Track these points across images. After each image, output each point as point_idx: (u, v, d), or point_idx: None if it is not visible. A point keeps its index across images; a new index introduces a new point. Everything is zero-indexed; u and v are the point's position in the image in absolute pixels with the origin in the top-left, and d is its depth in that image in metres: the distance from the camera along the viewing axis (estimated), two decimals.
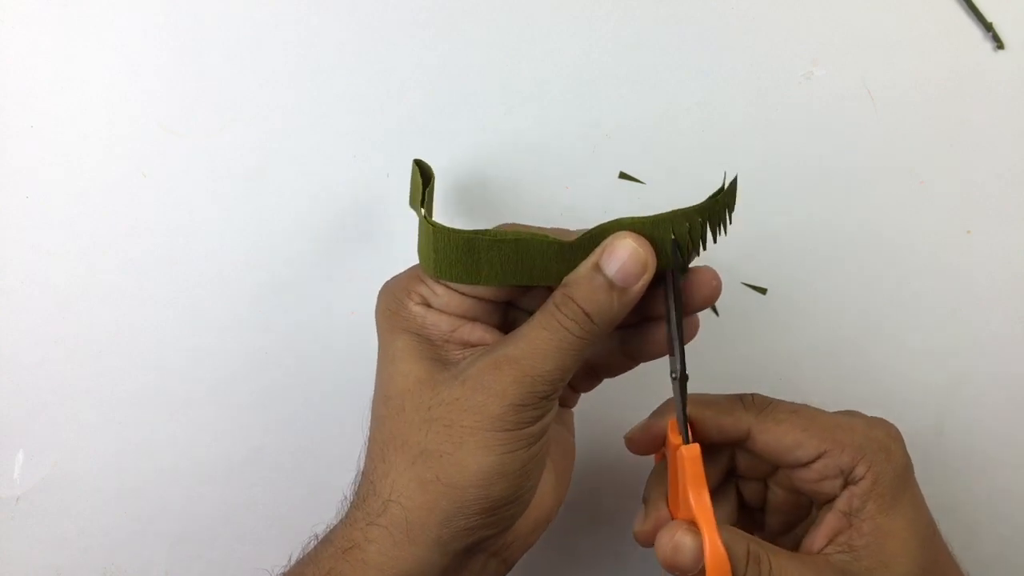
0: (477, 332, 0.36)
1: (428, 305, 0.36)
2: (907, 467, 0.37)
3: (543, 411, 0.34)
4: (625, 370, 0.39)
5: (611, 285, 0.33)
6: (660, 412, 0.39)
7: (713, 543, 0.33)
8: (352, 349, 0.48)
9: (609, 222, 0.35)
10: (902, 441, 0.38)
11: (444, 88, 0.48)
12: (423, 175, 0.39)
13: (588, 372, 0.39)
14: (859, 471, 0.36)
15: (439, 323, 0.36)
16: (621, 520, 0.49)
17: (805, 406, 0.38)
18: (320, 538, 0.36)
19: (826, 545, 0.36)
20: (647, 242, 0.34)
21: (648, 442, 0.39)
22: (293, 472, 0.48)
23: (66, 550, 0.47)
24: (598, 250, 0.34)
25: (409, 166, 0.41)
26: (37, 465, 0.47)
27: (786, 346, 0.49)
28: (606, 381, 0.41)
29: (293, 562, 0.36)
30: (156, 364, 0.47)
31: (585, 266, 0.34)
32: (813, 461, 0.37)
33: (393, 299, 0.37)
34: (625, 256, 0.33)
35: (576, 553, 0.50)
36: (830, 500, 0.37)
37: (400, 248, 0.48)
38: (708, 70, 0.49)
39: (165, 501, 0.47)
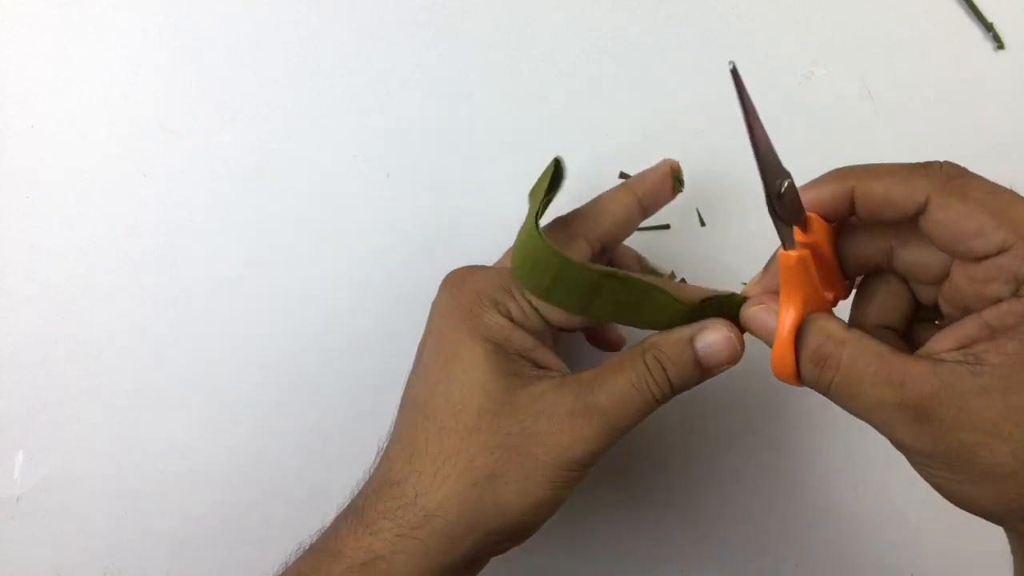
0: (549, 356, 0.37)
1: (511, 319, 0.36)
2: None
3: (605, 455, 0.35)
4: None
5: (698, 363, 0.34)
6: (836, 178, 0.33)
7: (781, 335, 0.32)
8: (352, 349, 0.48)
9: (733, 294, 0.35)
10: None
11: (444, 88, 0.48)
12: (556, 177, 0.38)
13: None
14: None
15: (523, 340, 0.36)
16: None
17: (1008, 190, 0.30)
18: (315, 548, 0.35)
19: (951, 349, 0.30)
20: (740, 334, 0.35)
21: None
22: (293, 472, 0.48)
23: (66, 550, 0.47)
24: (696, 326, 0.35)
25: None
26: (37, 465, 0.47)
27: None
28: None
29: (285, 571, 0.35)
30: (156, 364, 0.47)
31: (682, 338, 0.35)
32: (990, 256, 0.29)
33: (476, 302, 0.36)
34: (719, 342, 0.34)
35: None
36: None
37: (400, 247, 0.48)
38: (708, 70, 0.49)
39: (165, 501, 0.47)
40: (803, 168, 0.49)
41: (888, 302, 0.34)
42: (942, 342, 0.30)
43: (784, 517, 0.48)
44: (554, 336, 0.38)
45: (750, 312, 0.34)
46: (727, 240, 0.48)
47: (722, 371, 0.35)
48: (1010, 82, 0.49)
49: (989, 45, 0.50)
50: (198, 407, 0.47)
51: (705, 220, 0.48)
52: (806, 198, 0.32)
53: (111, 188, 0.47)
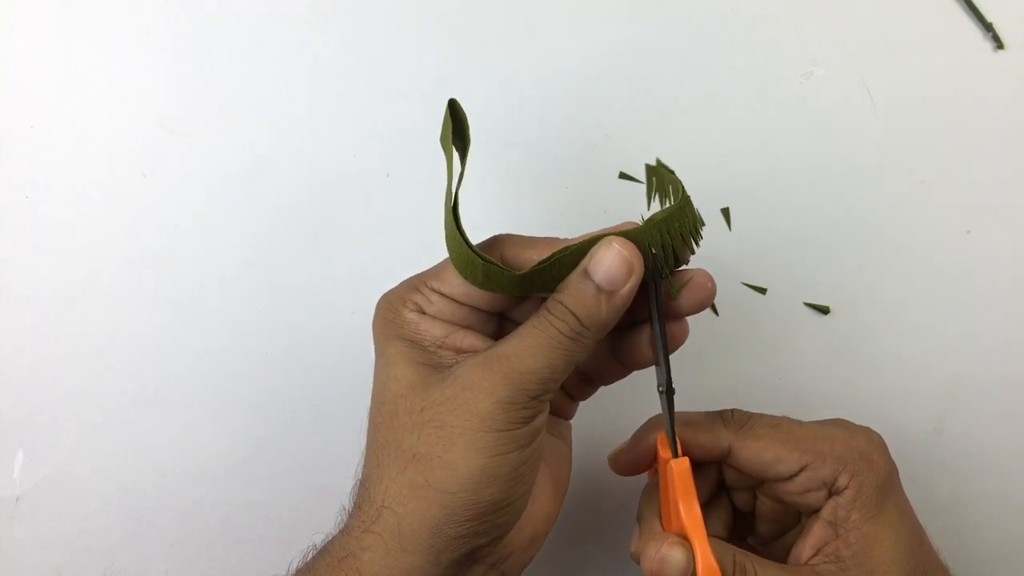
0: (469, 339, 0.36)
1: (422, 312, 0.37)
2: (890, 475, 0.37)
3: (533, 412, 0.33)
4: (619, 377, 0.39)
5: (599, 289, 0.34)
6: (644, 431, 0.39)
7: (705, 556, 0.33)
8: (352, 349, 0.48)
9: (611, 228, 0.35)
10: (885, 449, 0.38)
11: (444, 88, 0.48)
12: (457, 124, 0.36)
13: (582, 379, 0.40)
14: (841, 481, 0.36)
15: (432, 329, 0.36)
16: (620, 534, 0.49)
17: (785, 419, 0.38)
18: (318, 548, 0.35)
19: (813, 556, 0.36)
20: (633, 246, 0.34)
21: (633, 462, 0.39)
22: (292, 473, 0.48)
23: (66, 550, 0.47)
24: (587, 257, 0.34)
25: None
26: (37, 465, 0.47)
27: (786, 346, 0.49)
28: (604, 398, 0.41)
29: (292, 572, 0.36)
30: (156, 364, 0.47)
31: (575, 273, 0.34)
32: (795, 475, 0.37)
33: (389, 308, 0.37)
34: (610, 260, 0.34)
35: (575, 567, 0.50)
36: (816, 510, 0.37)
37: (401, 248, 0.48)
38: (708, 70, 0.49)
39: (165, 501, 0.47)
40: (803, 168, 0.49)
41: (719, 516, 0.41)
42: (804, 551, 0.37)
43: None
44: (488, 320, 0.37)
45: (660, 555, 0.34)
46: (728, 242, 0.49)
47: (630, 290, 0.34)
48: (1010, 82, 0.49)
49: (989, 45, 0.50)
50: (198, 407, 0.47)
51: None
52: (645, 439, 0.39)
53: (111, 188, 0.47)
